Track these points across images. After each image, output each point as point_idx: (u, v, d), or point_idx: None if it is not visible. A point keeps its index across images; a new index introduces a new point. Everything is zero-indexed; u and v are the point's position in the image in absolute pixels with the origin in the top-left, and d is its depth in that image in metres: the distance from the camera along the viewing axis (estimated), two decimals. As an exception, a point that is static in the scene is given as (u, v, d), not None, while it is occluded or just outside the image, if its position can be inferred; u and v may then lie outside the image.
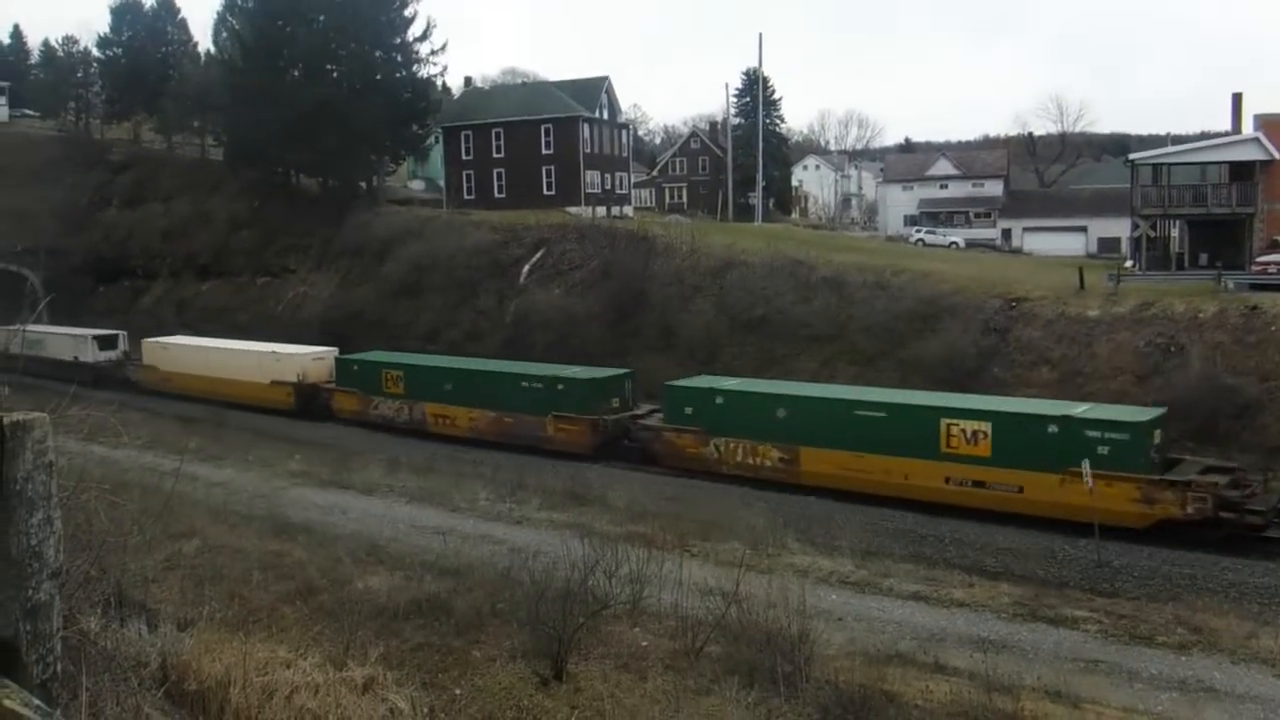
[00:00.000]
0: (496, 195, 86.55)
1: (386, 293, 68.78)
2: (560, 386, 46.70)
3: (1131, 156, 64.99)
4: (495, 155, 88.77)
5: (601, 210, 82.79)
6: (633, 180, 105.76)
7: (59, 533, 2.82)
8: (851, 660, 20.43)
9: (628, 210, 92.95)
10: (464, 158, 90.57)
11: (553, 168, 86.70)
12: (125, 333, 71.53)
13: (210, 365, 61.86)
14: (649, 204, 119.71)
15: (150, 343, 67.38)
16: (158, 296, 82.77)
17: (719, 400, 42.17)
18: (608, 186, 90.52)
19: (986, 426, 35.56)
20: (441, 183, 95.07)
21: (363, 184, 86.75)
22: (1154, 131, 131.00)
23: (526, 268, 65.84)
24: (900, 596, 27.51)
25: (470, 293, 65.68)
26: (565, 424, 46.16)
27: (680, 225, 73.77)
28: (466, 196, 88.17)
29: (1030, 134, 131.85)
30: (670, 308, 57.37)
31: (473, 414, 49.48)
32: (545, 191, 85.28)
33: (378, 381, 53.87)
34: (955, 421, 36.27)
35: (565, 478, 39.84)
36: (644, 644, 19.96)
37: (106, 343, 70.42)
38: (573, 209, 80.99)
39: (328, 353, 59.21)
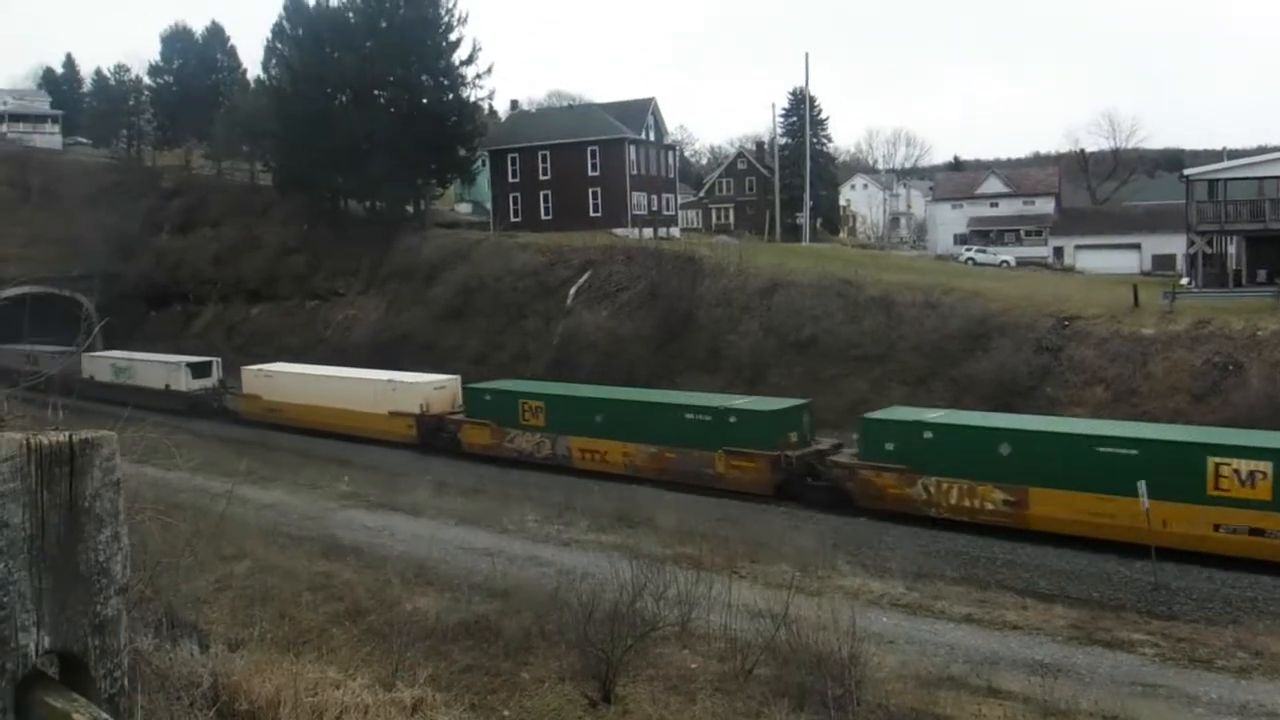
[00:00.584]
0: (543, 217, 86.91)
1: (434, 315, 69.16)
2: (732, 419, 42.59)
3: (1186, 172, 64.32)
4: (542, 177, 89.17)
5: (648, 232, 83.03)
6: (679, 201, 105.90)
7: (126, 549, 2.85)
8: (903, 683, 20.28)
9: (674, 231, 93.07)
10: (510, 180, 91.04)
11: (599, 189, 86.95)
12: (219, 359, 69.35)
13: (321, 395, 58.23)
14: (695, 225, 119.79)
15: (251, 370, 64.51)
16: (208, 321, 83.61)
17: (927, 435, 37.95)
18: (654, 208, 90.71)
19: (1266, 466, 32.23)
20: (488, 205, 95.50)
21: (410, 208, 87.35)
22: (1209, 146, 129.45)
23: (573, 290, 66.01)
24: (952, 619, 27.22)
25: (517, 315, 65.94)
26: (740, 461, 41.85)
27: (727, 246, 73.74)
28: (513, 219, 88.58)
29: (1082, 150, 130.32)
30: (718, 328, 57.36)
31: (627, 448, 45.22)
32: (591, 213, 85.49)
33: (514, 412, 49.34)
34: (1225, 460, 32.48)
35: (614, 499, 39.83)
36: (693, 666, 19.91)
37: (200, 370, 67.88)
38: (619, 231, 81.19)
39: (450, 381, 55.57)
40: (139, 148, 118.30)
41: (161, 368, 68.34)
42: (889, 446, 38.46)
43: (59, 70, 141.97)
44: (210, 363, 68.50)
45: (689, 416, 43.86)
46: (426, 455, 51.44)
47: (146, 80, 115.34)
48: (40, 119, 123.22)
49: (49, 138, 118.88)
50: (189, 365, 67.73)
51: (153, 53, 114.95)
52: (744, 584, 27.42)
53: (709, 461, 42.66)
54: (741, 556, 31.75)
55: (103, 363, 71.53)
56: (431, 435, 52.99)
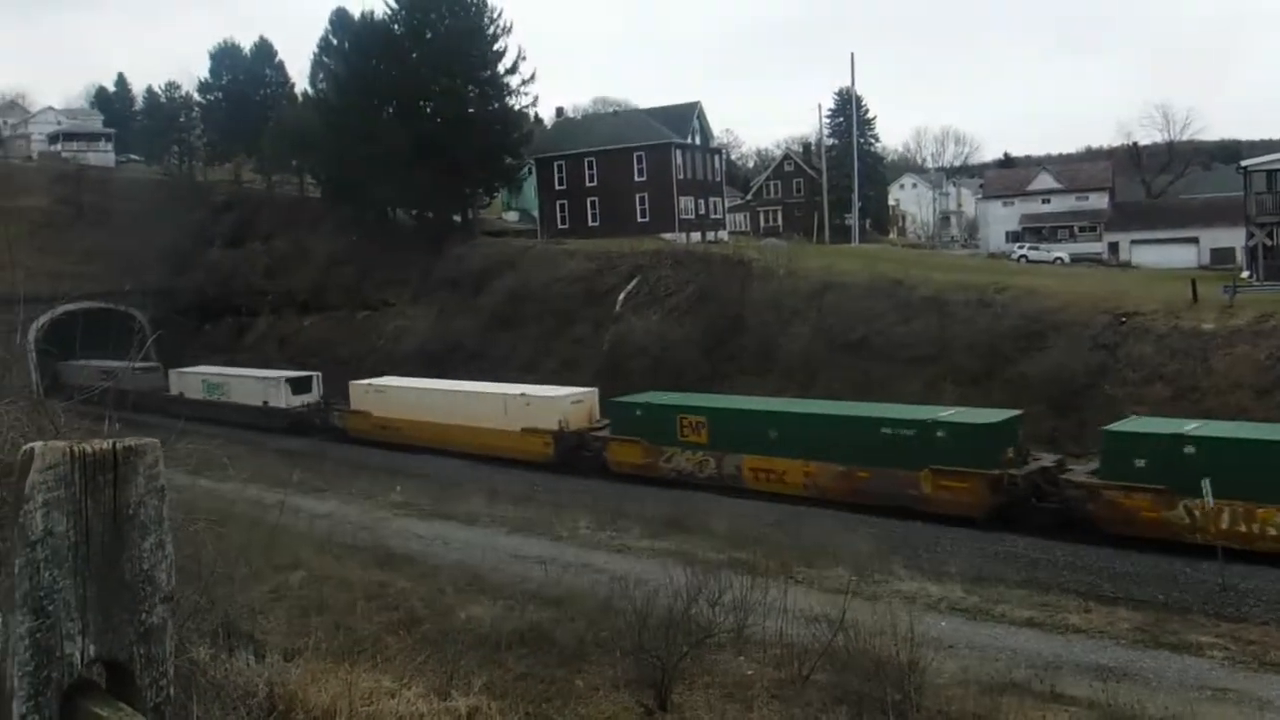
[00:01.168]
0: (590, 224, 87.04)
1: (484, 324, 69.32)
2: (940, 434, 38.44)
3: (1244, 163, 63.57)
4: (588, 184, 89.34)
5: (696, 236, 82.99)
6: (726, 205, 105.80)
7: (171, 557, 2.81)
8: (964, 689, 20.06)
9: (722, 235, 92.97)
10: (557, 187, 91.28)
11: (646, 195, 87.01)
12: (320, 374, 66.76)
13: (443, 410, 54.83)
14: (743, 228, 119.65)
15: (361, 385, 61.37)
16: (260, 333, 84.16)
17: (1189, 449, 33.41)
18: (701, 212, 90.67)
19: None
20: (535, 213, 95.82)
21: (458, 217, 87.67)
22: (1266, 136, 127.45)
23: (622, 295, 65.99)
24: (1014, 623, 26.93)
25: (566, 322, 66.00)
26: (950, 481, 37.64)
27: (776, 248, 73.53)
28: (561, 226, 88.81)
29: (1135, 144, 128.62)
30: (768, 331, 57.16)
31: (809, 467, 41.08)
32: (639, 219, 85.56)
33: (670, 428, 45.34)
34: None
35: (666, 504, 39.76)
36: (749, 673, 19.80)
37: (300, 385, 65.30)
38: (667, 235, 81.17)
39: (588, 394, 52.18)
40: (190, 163, 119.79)
41: (258, 383, 66.70)
42: (1139, 463, 34.15)
43: (111, 89, 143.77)
44: (311, 377, 66.30)
45: (886, 431, 39.43)
46: (564, 476, 47.79)
47: (196, 97, 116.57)
48: (93, 137, 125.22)
49: (102, 155, 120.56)
50: (289, 381, 65.45)
51: (202, 70, 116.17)
52: (800, 589, 27.33)
53: (912, 482, 38.38)
54: (797, 561, 31.58)
55: (192, 379, 71.16)
56: (571, 454, 49.20)
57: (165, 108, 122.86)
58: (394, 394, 58.97)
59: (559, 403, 50.86)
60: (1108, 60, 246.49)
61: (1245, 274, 60.21)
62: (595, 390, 52.15)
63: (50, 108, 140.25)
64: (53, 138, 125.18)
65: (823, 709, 17.51)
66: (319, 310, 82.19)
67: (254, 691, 8.43)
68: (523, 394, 52.18)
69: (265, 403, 64.55)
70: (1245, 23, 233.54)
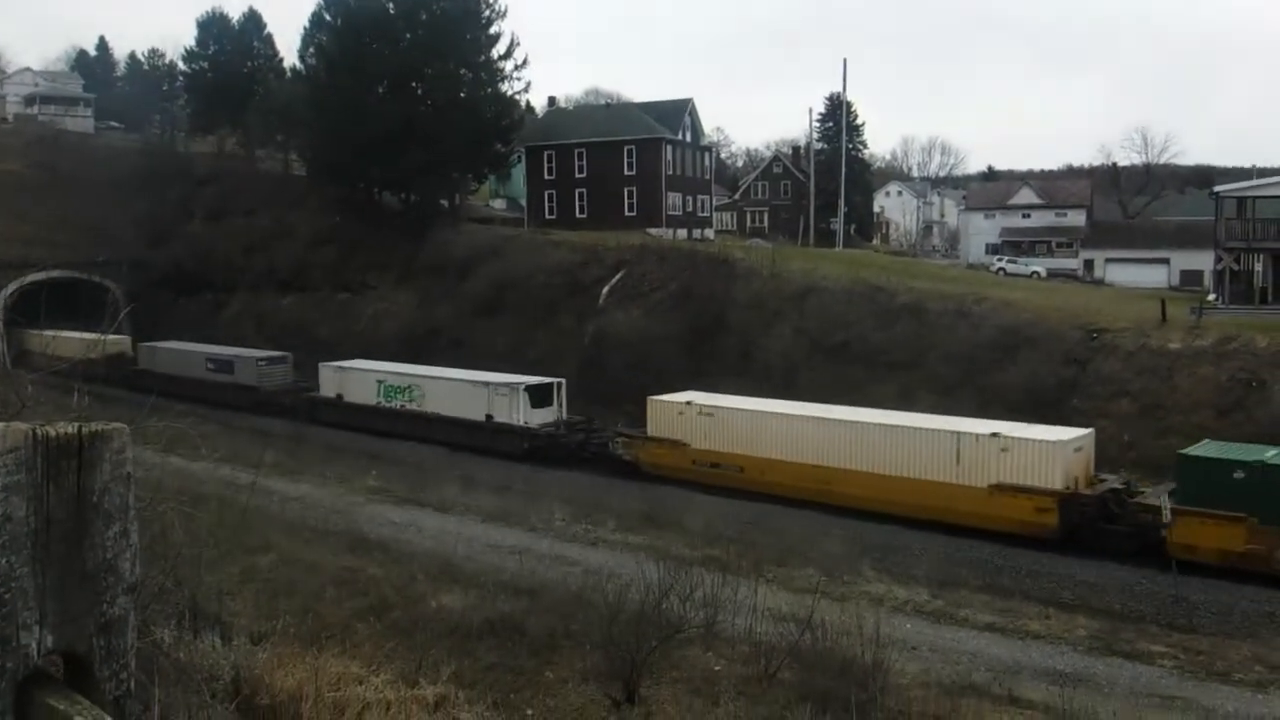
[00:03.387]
0: (578, 215, 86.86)
1: (466, 311, 69.05)
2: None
3: (1216, 189, 64.24)
4: (577, 175, 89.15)
5: (682, 232, 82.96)
6: (714, 203, 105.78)
7: (135, 546, 2.74)
8: (926, 690, 20.34)
9: (709, 233, 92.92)
10: (546, 177, 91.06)
11: (634, 189, 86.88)
12: (562, 381, 52.04)
13: (824, 448, 40.29)
14: (730, 227, 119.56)
15: (666, 403, 46.13)
16: (237, 310, 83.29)
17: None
18: (689, 209, 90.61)
19: None
20: (523, 202, 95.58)
21: (444, 202, 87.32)
22: (1239, 164, 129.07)
23: (606, 288, 65.89)
24: (975, 627, 27.44)
25: (549, 312, 65.83)
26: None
27: (761, 249, 73.55)
28: (548, 216, 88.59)
29: (1114, 164, 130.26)
30: (750, 331, 57.18)
31: None
32: (626, 212, 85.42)
33: None
34: None
35: (641, 500, 39.73)
36: (717, 669, 19.85)
37: (541, 396, 50.50)
38: (653, 230, 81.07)
39: (1085, 438, 37.51)
40: (172, 133, 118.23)
41: (475, 390, 52.02)
42: (1221, 489, 31.52)
43: (92, 53, 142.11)
44: (552, 385, 51.20)
45: None
46: (1075, 558, 34.12)
47: (181, 65, 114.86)
48: (72, 102, 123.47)
49: (80, 121, 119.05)
50: (528, 390, 50.23)
51: (188, 38, 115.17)
52: (770, 588, 27.41)
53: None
54: (769, 560, 31.72)
55: (361, 378, 58.06)
56: (1086, 526, 34.91)
57: (148, 75, 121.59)
58: (728, 419, 43.66)
59: (1056, 450, 35.72)
60: (1091, 81, 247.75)
61: (1212, 296, 61.19)
62: (1091, 431, 38.68)
63: (28, 69, 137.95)
64: (29, 100, 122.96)
65: (788, 706, 17.58)
66: (299, 290, 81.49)
67: (219, 674, 8.37)
68: (996, 434, 37.02)
69: (489, 417, 50.53)
70: (1224, 53, 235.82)
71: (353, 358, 62.80)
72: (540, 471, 46.26)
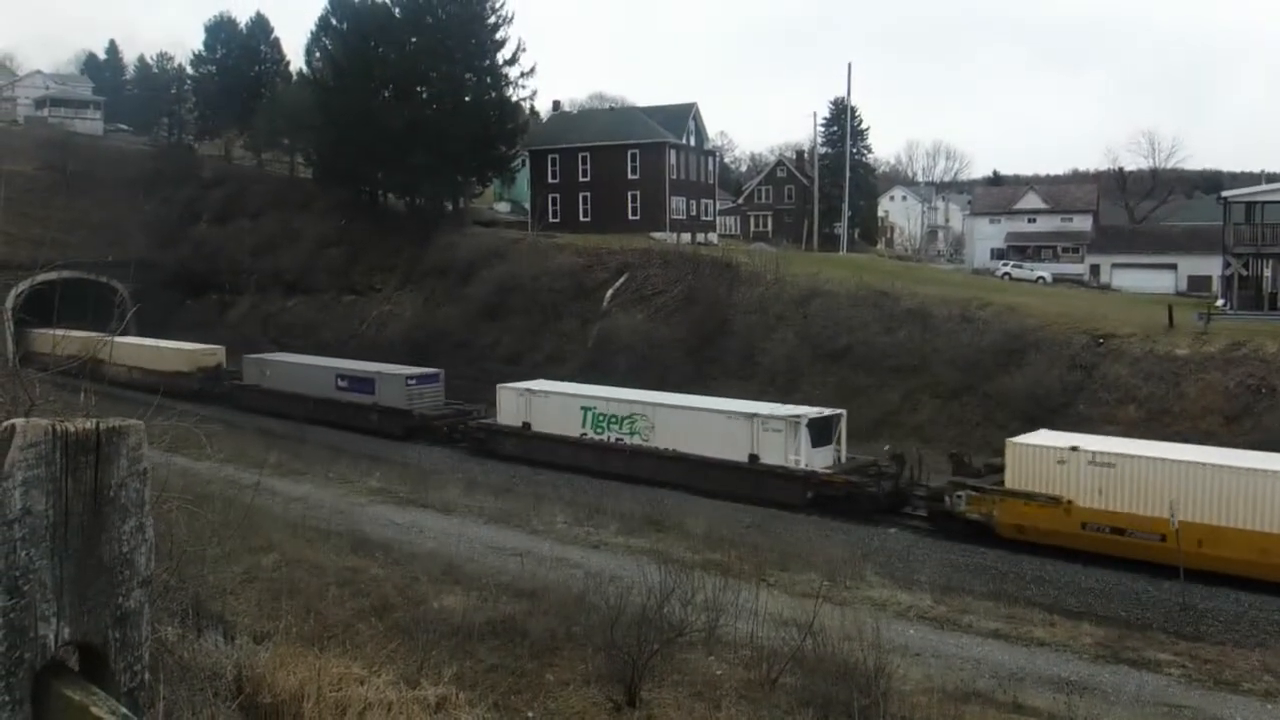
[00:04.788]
0: (582, 219, 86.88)
1: (470, 314, 69.15)
2: None
3: (1224, 194, 64.23)
4: (581, 179, 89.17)
5: (686, 236, 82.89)
6: (718, 207, 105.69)
7: (150, 541, 2.79)
8: (929, 697, 20.23)
9: (712, 237, 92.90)
10: (550, 181, 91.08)
11: (638, 193, 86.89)
12: (843, 412, 43.13)
13: None
14: (734, 231, 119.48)
15: (1032, 447, 35.94)
16: (244, 312, 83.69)
17: None
18: (693, 213, 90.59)
19: None
20: (527, 205, 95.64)
21: (449, 205, 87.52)
22: (1247, 169, 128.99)
23: (610, 292, 65.97)
24: (979, 634, 27.20)
25: (553, 315, 65.91)
26: None
27: (764, 253, 73.64)
28: (552, 220, 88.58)
29: (1121, 169, 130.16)
30: (753, 335, 57.22)
31: None
32: (630, 216, 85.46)
33: None
34: None
35: (644, 503, 39.73)
36: (718, 673, 19.82)
37: (822, 431, 41.54)
38: (657, 234, 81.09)
39: None
40: (180, 136, 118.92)
41: (738, 424, 42.44)
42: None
43: (102, 56, 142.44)
44: (834, 419, 42.36)
45: None
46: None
47: (189, 69, 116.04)
48: (82, 104, 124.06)
49: (90, 123, 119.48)
50: (810, 424, 41.17)
51: (196, 42, 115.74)
52: (772, 592, 27.39)
53: None
54: (771, 565, 31.71)
55: (558, 404, 48.58)
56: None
57: (157, 78, 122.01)
58: (1138, 471, 33.29)
59: None
60: (1097, 86, 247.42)
61: (1220, 302, 61.16)
62: None
63: (39, 71, 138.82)
64: (40, 103, 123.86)
65: (789, 711, 17.55)
66: (305, 292, 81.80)
67: (221, 673, 8.40)
68: None
69: (754, 458, 41.57)
70: (1231, 56, 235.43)
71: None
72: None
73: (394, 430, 54.57)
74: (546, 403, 48.58)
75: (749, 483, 41.24)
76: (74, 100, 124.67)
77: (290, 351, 68.41)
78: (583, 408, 47.22)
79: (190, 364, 66.55)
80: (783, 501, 40.05)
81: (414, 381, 55.86)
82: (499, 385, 51.46)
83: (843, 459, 41.71)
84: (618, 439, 45.89)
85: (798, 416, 41.19)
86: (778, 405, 43.77)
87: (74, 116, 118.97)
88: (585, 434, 46.93)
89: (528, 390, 49.69)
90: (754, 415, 42.02)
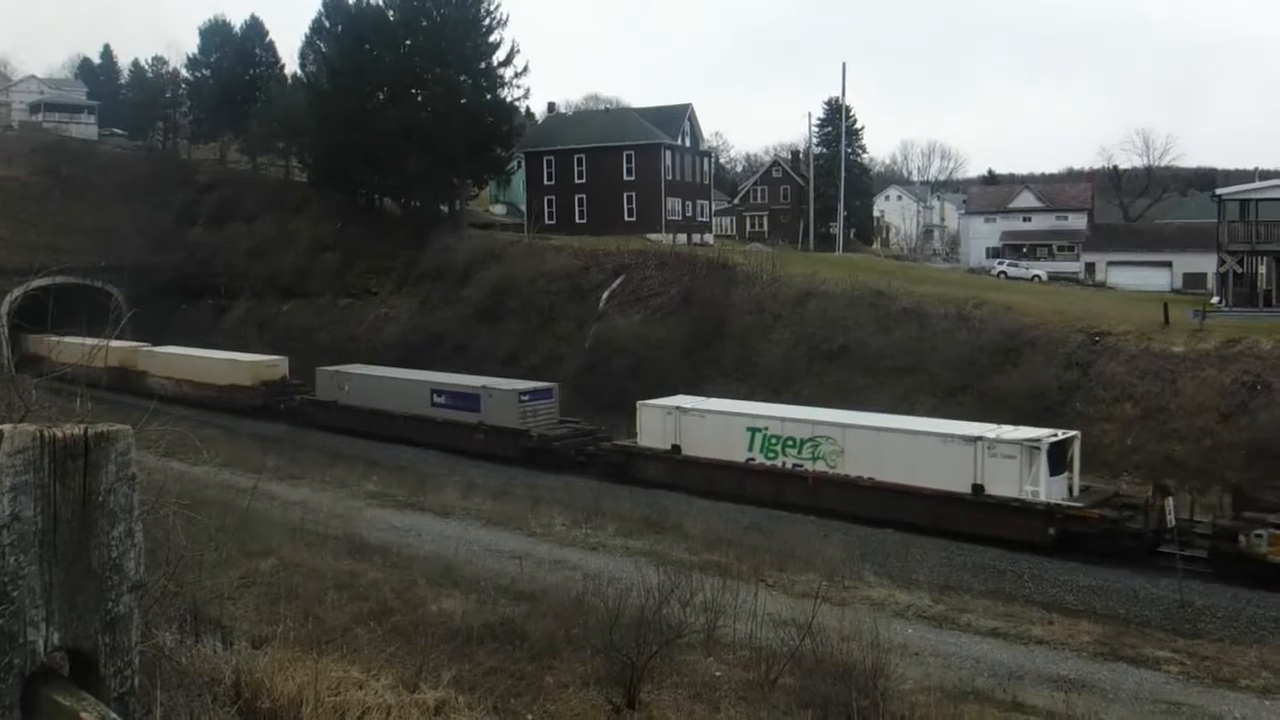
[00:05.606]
0: (578, 221, 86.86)
1: (467, 316, 69.10)
2: None
3: (1219, 191, 64.48)
4: (577, 181, 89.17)
5: (682, 237, 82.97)
6: (714, 208, 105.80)
7: (140, 546, 2.78)
8: (928, 696, 20.22)
9: (708, 238, 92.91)
10: (546, 183, 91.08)
11: (634, 194, 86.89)
12: (1077, 435, 38.03)
13: None
14: (730, 232, 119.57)
15: None
16: (240, 316, 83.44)
17: None
18: (689, 214, 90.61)
19: None
20: (523, 207, 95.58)
21: (445, 208, 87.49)
22: (1241, 166, 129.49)
23: (606, 294, 65.93)
24: (978, 632, 27.27)
25: (550, 318, 65.88)
26: None
27: (761, 254, 73.67)
28: (548, 221, 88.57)
29: (1115, 167, 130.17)
30: (750, 336, 57.21)
31: None
32: (626, 218, 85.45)
33: None
34: None
35: (642, 505, 39.71)
36: (717, 674, 19.83)
37: (1058, 457, 36.42)
38: (653, 236, 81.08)
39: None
40: (174, 140, 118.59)
41: (957, 449, 37.31)
42: None
43: (96, 61, 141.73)
44: (1068, 441, 37.27)
45: None
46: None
47: (184, 73, 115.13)
48: (76, 109, 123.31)
49: (84, 128, 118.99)
50: (1049, 449, 35.95)
51: (190, 45, 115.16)
52: (771, 593, 27.40)
53: None
54: (769, 565, 31.72)
55: (717, 424, 43.21)
56: None
57: (151, 82, 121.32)
58: None
59: None
60: (1091, 84, 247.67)
61: (1215, 299, 61.47)
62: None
63: (33, 76, 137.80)
64: (34, 107, 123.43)
65: (789, 712, 17.55)
66: (301, 296, 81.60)
67: (220, 679, 8.39)
68: None
69: (979, 488, 36.34)
70: (1225, 54, 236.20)
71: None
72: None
73: (506, 453, 49.48)
74: (702, 423, 43.31)
75: (973, 518, 36.14)
76: (68, 105, 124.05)
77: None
78: (749, 429, 41.71)
79: (251, 377, 63.39)
80: (1019, 540, 35.02)
81: (528, 397, 50.50)
82: (640, 403, 45.68)
83: (1075, 488, 36.69)
84: (795, 465, 40.29)
85: (1035, 440, 35.89)
86: (1004, 427, 38.17)
87: (68, 121, 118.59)
88: (753, 459, 41.36)
89: (677, 408, 44.31)
90: (978, 439, 36.70)
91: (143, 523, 3.00)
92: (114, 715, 2.66)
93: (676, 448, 43.36)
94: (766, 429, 41.08)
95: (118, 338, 54.33)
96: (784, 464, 40.40)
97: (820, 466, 39.39)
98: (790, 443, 40.35)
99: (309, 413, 58.78)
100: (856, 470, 38.49)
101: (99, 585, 2.78)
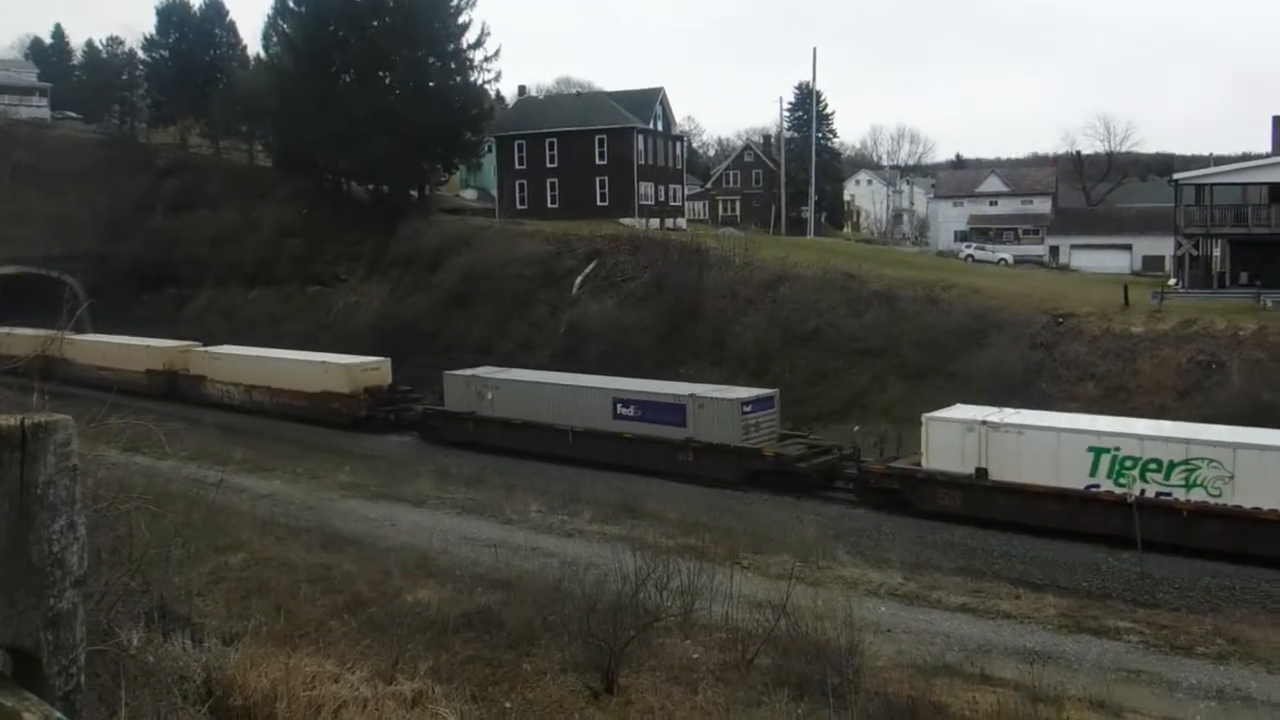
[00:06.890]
0: (549, 205, 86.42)
1: (438, 303, 68.67)
2: None
3: (1175, 177, 65.86)
4: (549, 165, 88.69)
5: (655, 222, 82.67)
6: (686, 192, 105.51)
7: (83, 539, 2.66)
8: (900, 672, 20.73)
9: (681, 222, 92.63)
10: (517, 167, 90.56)
11: (606, 179, 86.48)
12: None
13: None
14: (702, 216, 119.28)
15: None
16: (203, 305, 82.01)
17: None
18: (661, 198, 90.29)
19: None
20: (494, 192, 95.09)
21: (414, 192, 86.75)
22: (1197, 152, 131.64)
23: (579, 279, 65.78)
24: (948, 608, 28.06)
25: (523, 304, 65.67)
26: None
27: (733, 238, 73.62)
28: (519, 206, 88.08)
29: (1078, 152, 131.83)
30: (723, 320, 57.24)
31: None
32: (599, 202, 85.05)
33: None
34: None
35: (617, 490, 39.69)
36: (695, 656, 19.90)
37: None
38: (626, 220, 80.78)
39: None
40: (132, 124, 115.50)
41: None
42: None
43: (48, 41, 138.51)
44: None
45: None
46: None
47: (140, 54, 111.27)
48: (27, 91, 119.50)
49: (36, 111, 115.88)
50: None
51: (147, 25, 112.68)
52: (746, 574, 27.59)
53: None
54: (744, 548, 31.89)
55: (1041, 442, 35.23)
56: None
57: (107, 64, 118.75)
58: None
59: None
60: (1057, 70, 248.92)
61: (1173, 281, 62.99)
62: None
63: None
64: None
65: (765, 691, 17.70)
66: (267, 283, 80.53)
67: (190, 676, 8.27)
68: None
69: None
70: (1183, 42, 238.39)
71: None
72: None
73: (727, 475, 41.75)
74: (1020, 441, 35.43)
75: None
76: (18, 86, 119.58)
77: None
78: (1092, 448, 34.10)
79: (349, 383, 54.81)
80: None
81: (750, 408, 42.49)
82: (926, 416, 38.16)
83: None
84: (1160, 494, 32.90)
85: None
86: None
87: (18, 104, 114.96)
88: (1095, 485, 33.93)
89: (983, 423, 36.15)
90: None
91: (105, 520, 2.89)
92: (59, 715, 2.56)
93: (982, 471, 35.90)
94: (1118, 449, 33.70)
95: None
96: (1141, 492, 32.93)
97: (1199, 496, 32.35)
98: (1152, 466, 33.15)
99: (437, 427, 51.63)
100: (1253, 501, 31.48)
101: (40, 581, 2.67)
